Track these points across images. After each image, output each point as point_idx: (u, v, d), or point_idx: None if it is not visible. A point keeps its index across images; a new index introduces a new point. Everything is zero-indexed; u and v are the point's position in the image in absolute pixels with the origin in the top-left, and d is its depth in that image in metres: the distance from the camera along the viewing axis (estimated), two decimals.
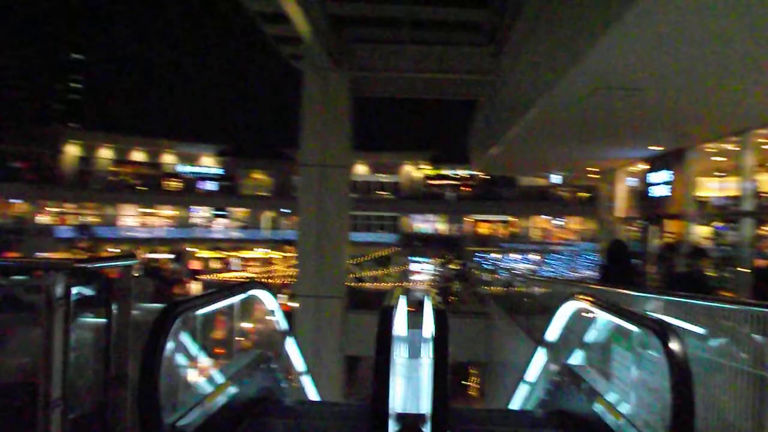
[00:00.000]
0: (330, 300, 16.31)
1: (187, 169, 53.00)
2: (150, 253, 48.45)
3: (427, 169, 55.41)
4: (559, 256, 41.07)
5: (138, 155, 51.62)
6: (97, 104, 64.35)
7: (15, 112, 55.66)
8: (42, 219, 47.78)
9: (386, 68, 17.42)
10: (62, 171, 48.71)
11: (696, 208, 15.51)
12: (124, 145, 50.65)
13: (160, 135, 50.79)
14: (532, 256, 44.77)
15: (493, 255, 38.60)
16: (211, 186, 53.15)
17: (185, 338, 5.51)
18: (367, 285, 44.56)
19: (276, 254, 52.79)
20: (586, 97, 10.69)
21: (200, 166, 53.39)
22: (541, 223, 53.43)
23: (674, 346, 3.68)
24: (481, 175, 53.04)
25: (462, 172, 54.83)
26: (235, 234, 53.20)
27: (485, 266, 26.08)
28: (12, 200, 47.10)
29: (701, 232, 15.63)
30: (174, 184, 52.32)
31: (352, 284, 46.98)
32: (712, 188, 15.52)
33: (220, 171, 53.77)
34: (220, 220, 53.55)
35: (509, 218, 53.64)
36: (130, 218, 50.32)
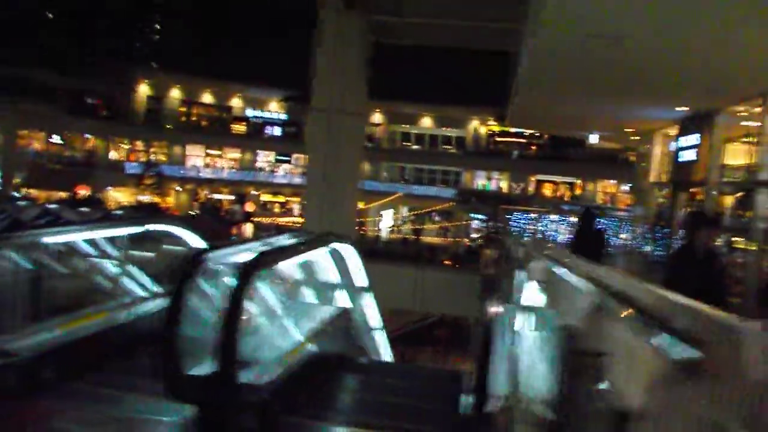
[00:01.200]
0: None
1: (255, 113, 53.66)
2: (213, 193, 49.68)
3: (493, 125, 54.06)
4: (610, 222, 39.27)
5: (207, 97, 52.57)
6: (171, 45, 65.45)
7: (92, 49, 57.34)
8: (114, 155, 49.62)
9: (406, 13, 16.76)
10: (134, 109, 50.23)
11: (718, 175, 14.37)
12: (195, 87, 51.56)
13: (231, 78, 51.30)
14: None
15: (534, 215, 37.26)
16: (277, 131, 53.63)
17: (266, 291, 5.49)
18: (421, 238, 44.48)
19: None
20: (575, 47, 9.93)
21: (267, 111, 53.89)
22: (609, 188, 51.55)
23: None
24: (547, 134, 51.44)
25: (529, 130, 53.20)
26: (297, 180, 53.71)
27: (513, 229, 25.27)
28: (86, 135, 49.05)
29: (724, 201, 14.53)
30: (240, 128, 53.15)
31: (407, 236, 47.09)
32: (738, 155, 14.31)
33: (285, 117, 54.10)
34: (284, 165, 54.12)
35: (575, 180, 52.01)
36: (197, 159, 51.53)
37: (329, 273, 7.18)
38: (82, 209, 39.38)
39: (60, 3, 63.51)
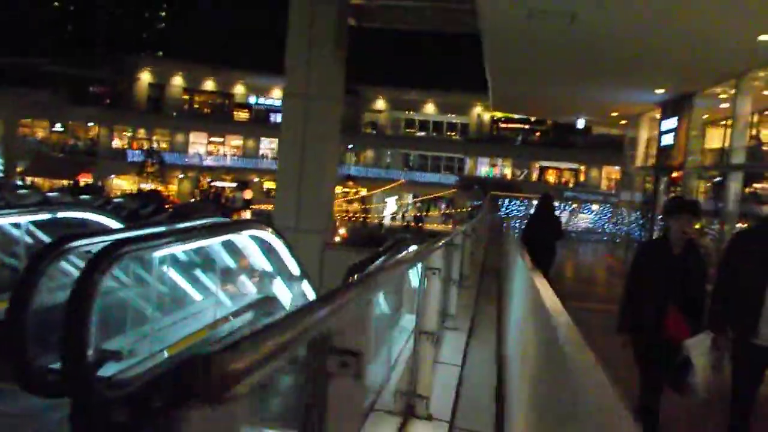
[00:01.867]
0: (308, 234, 15.89)
1: (257, 100, 53.44)
2: (215, 181, 49.57)
3: (496, 112, 53.45)
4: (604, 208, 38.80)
5: (210, 84, 52.37)
6: (173, 32, 65.38)
7: (95, 38, 57.37)
8: (115, 143, 49.61)
9: None
10: (136, 97, 50.15)
11: (695, 159, 13.96)
12: (197, 74, 51.35)
13: (233, 65, 51.05)
14: (594, 207, 42.69)
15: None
16: (280, 118, 53.39)
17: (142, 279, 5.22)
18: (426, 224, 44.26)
19: (338, 189, 52.87)
20: (523, 25, 9.56)
21: (270, 98, 53.61)
22: (614, 174, 50.88)
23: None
24: (550, 120, 50.85)
25: (546, 118, 52.63)
26: None
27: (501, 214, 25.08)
28: (89, 123, 49.05)
29: (700, 185, 14.14)
30: (243, 115, 52.95)
31: (409, 223, 46.87)
32: (714, 138, 13.89)
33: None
34: None
35: (579, 167, 51.42)
36: (200, 146, 51.39)
37: (250, 260, 6.90)
38: (83, 197, 39.30)
39: None
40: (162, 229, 5.40)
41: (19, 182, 44.25)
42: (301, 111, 16.10)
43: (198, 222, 6.58)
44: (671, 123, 15.16)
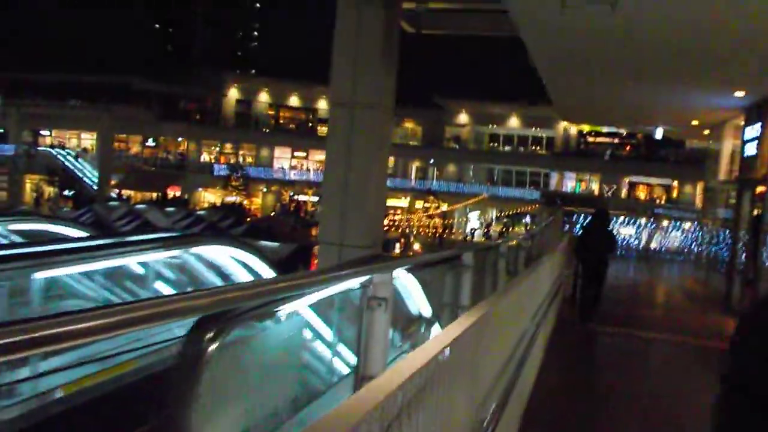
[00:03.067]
0: (353, 250, 14.90)
1: None
2: (297, 194, 49.62)
3: (584, 125, 50.97)
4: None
5: (294, 100, 52.64)
6: (262, 50, 66.53)
7: (189, 56, 59.01)
8: (203, 158, 50.61)
9: None
10: (224, 113, 51.05)
11: None
12: (282, 90, 51.74)
13: (317, 80, 51.16)
14: (686, 225, 39.65)
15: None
16: None
17: None
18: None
19: (420, 204, 51.85)
20: (557, 17, 8.23)
21: None
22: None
23: None
24: (640, 133, 47.94)
25: (623, 130, 49.80)
26: None
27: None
28: (179, 138, 50.29)
29: None
30: (326, 130, 52.87)
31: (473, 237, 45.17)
32: None
33: None
34: None
35: (672, 182, 48.22)
36: (284, 161, 51.66)
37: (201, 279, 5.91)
38: (169, 209, 39.92)
39: (161, 12, 65.95)
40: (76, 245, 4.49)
41: (112, 194, 45.84)
42: (347, 121, 15.15)
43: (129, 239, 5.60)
44: (755, 130, 13.23)
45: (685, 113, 15.92)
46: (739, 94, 12.58)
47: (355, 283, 3.44)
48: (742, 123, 14.73)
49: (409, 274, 5.74)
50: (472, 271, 6.77)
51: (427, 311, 6.49)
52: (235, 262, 6.23)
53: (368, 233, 15.89)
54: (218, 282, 5.88)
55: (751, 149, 13.42)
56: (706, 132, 18.00)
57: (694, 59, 10.54)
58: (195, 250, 5.58)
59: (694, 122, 16.90)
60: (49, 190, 46.60)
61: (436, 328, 6.71)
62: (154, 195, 45.91)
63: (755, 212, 13.39)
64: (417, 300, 6.32)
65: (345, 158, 15.32)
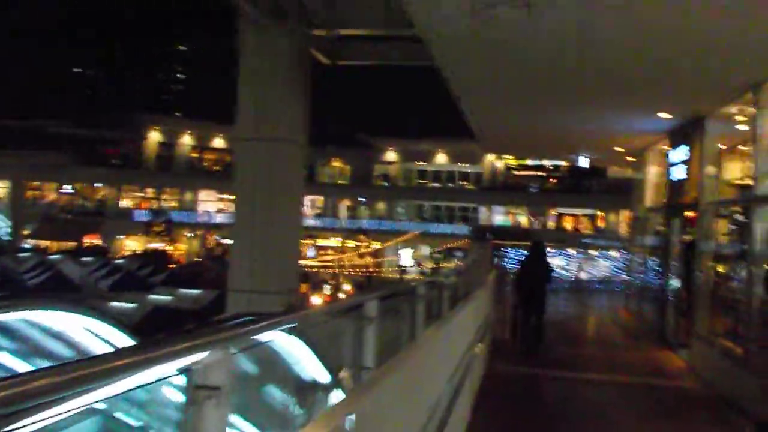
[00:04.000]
0: (265, 297, 13.42)
1: None
2: (224, 238, 47.55)
3: (510, 159, 50.95)
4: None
5: (218, 142, 50.89)
6: (186, 92, 64.73)
7: (109, 99, 56.74)
8: (124, 203, 48.11)
9: (347, 24, 14.25)
10: (145, 157, 48.80)
11: (712, 194, 11.25)
12: (205, 132, 49.95)
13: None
14: (614, 254, 39.60)
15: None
16: None
17: None
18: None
19: (351, 243, 50.53)
20: (470, 24, 7.17)
21: None
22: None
23: None
24: (564, 165, 48.20)
25: (548, 163, 49.99)
26: (311, 222, 51.28)
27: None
28: (97, 184, 47.70)
29: (720, 224, 11.39)
30: None
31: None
32: (734, 168, 11.19)
33: None
34: None
35: (597, 212, 48.49)
36: (209, 204, 49.62)
37: None
38: (85, 258, 37.25)
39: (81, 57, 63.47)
40: None
41: (25, 245, 42.80)
42: (254, 157, 13.83)
43: None
44: (681, 154, 12.53)
45: (609, 139, 15.23)
46: (664, 116, 11.86)
47: (170, 368, 2.04)
48: (667, 147, 14.10)
49: (293, 336, 4.42)
50: (376, 324, 5.31)
51: (323, 376, 5.12)
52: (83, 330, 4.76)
53: (281, 278, 14.45)
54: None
55: (679, 173, 12.70)
56: (631, 158, 17.40)
57: (617, 80, 9.72)
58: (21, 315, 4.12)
59: (618, 148, 16.25)
60: None
61: (337, 396, 5.27)
62: (72, 244, 43.12)
63: (686, 239, 12.63)
64: (307, 365, 4.97)
65: (251, 198, 13.94)
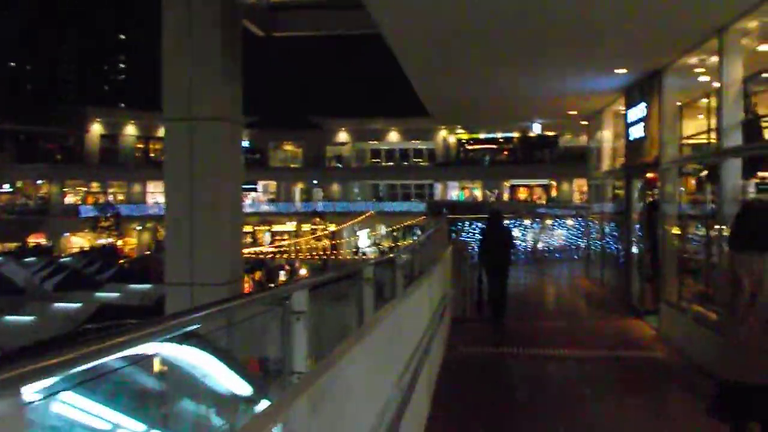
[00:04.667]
0: (206, 289, 12.27)
1: None
2: None
3: (461, 134, 50.26)
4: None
5: (162, 131, 48.95)
6: (129, 81, 62.30)
7: (49, 93, 54.16)
8: (68, 199, 45.96)
9: None
10: (88, 150, 46.60)
11: (674, 152, 10.51)
12: (150, 121, 47.89)
13: None
14: (569, 222, 39.26)
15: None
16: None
17: None
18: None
19: (307, 226, 49.29)
20: None
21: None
22: (585, 186, 47.70)
23: None
24: (516, 136, 47.80)
25: (500, 135, 49.45)
26: (265, 207, 49.90)
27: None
28: (39, 181, 45.43)
29: (685, 182, 10.67)
30: None
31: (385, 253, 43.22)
32: (693, 126, 10.44)
33: (247, 144, 50.33)
34: (251, 194, 50.28)
35: (551, 182, 48.24)
36: (159, 195, 47.73)
37: None
38: (28, 259, 35.19)
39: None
40: None
41: None
42: (186, 138, 12.57)
43: None
44: (639, 111, 11.78)
45: (562, 102, 14.45)
46: (620, 71, 11.06)
47: None
48: (622, 108, 13.36)
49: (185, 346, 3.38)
50: (307, 319, 4.21)
51: (242, 388, 4.08)
52: None
53: (224, 267, 13.27)
54: None
55: (637, 132, 11.96)
56: (584, 123, 16.68)
57: (570, 32, 8.83)
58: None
59: (572, 112, 15.50)
60: None
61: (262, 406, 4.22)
62: (14, 245, 40.98)
63: (649, 200, 11.92)
64: (218, 377, 3.90)
65: (188, 182, 12.70)
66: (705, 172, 10.04)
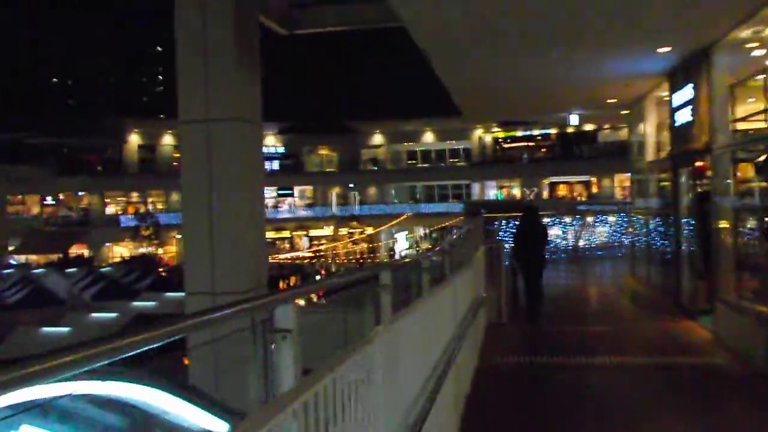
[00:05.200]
0: (229, 297, 11.62)
1: None
2: None
3: (498, 132, 49.09)
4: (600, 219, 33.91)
5: None
6: (163, 93, 62.72)
7: (89, 106, 54.83)
8: (109, 210, 46.29)
9: None
10: (127, 161, 46.87)
11: (724, 137, 9.46)
12: None
13: None
14: (610, 219, 37.81)
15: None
16: (275, 165, 49.37)
17: None
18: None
19: (344, 230, 48.74)
20: None
21: (264, 146, 49.92)
22: (627, 182, 46.09)
23: None
24: (553, 133, 46.49)
25: (537, 132, 48.13)
26: (302, 212, 49.51)
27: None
28: (80, 192, 45.82)
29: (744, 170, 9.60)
30: None
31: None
32: (749, 106, 9.37)
33: (281, 150, 50.05)
34: (287, 199, 49.97)
35: (590, 178, 46.75)
36: None
37: None
38: (70, 270, 35.32)
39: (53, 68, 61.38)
40: None
41: (12, 261, 41.01)
42: (203, 141, 11.95)
43: None
44: (686, 94, 10.74)
45: (600, 90, 13.43)
46: (663, 50, 10.04)
47: None
48: (665, 93, 12.30)
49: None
50: (292, 341, 3.34)
51: (211, 423, 3.35)
52: None
53: (247, 275, 12.58)
54: None
55: (683, 116, 10.90)
56: (625, 112, 15.60)
57: (610, 11, 7.91)
58: None
59: (611, 100, 14.45)
60: None
61: None
62: (58, 256, 41.32)
63: (698, 190, 10.86)
64: (181, 415, 3.19)
65: (207, 187, 12.06)
66: (764, 157, 8.97)
